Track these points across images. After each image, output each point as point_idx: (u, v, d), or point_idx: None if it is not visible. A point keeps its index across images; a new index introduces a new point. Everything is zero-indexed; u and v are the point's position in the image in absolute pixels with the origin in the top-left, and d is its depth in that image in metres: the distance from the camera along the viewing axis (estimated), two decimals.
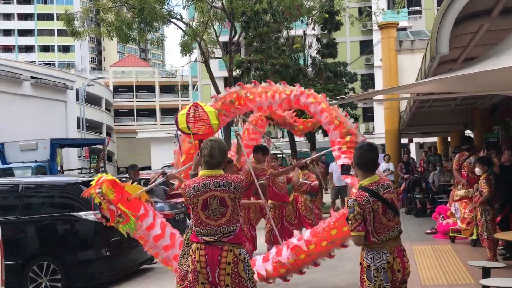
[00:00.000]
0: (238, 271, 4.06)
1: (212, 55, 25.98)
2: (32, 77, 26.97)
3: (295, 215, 9.37)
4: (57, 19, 52.64)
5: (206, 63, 23.95)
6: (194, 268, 4.10)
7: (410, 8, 41.44)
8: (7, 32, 78.43)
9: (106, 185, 5.70)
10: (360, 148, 4.01)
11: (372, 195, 3.78)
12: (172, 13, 23.83)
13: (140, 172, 11.25)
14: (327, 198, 16.80)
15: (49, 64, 67.09)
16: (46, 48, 78.98)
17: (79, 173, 22.98)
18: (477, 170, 8.35)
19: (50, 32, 78.20)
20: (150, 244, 6.30)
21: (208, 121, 6.38)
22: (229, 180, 4.20)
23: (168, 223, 6.51)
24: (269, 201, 8.60)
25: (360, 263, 3.86)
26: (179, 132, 7.13)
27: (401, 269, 3.79)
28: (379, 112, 34.99)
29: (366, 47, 41.06)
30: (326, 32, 21.78)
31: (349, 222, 3.79)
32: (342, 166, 4.80)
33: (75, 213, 7.88)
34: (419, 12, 42.63)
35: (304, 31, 22.56)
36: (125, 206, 5.80)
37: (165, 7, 23.43)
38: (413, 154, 27.10)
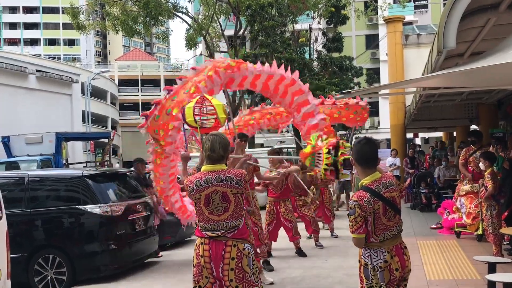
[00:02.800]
0: (242, 266, 4.06)
1: (217, 49, 25.95)
2: (37, 71, 26.94)
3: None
4: (63, 12, 52.52)
5: (211, 57, 23.90)
6: (198, 262, 4.10)
7: (416, 2, 41.28)
8: (13, 26, 78.58)
9: None
10: (357, 143, 3.89)
11: (373, 195, 3.67)
12: (178, 7, 23.81)
13: (146, 165, 11.24)
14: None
15: (55, 57, 67.15)
16: (52, 42, 79.11)
17: (84, 166, 23.01)
18: (481, 165, 8.32)
19: (55, 26, 78.31)
20: None
21: (215, 114, 6.35)
22: (231, 174, 4.16)
23: None
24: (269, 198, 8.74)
25: (359, 261, 3.82)
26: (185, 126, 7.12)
27: (400, 267, 3.70)
28: (384, 107, 34.89)
29: (372, 41, 40.95)
30: (332, 26, 21.73)
31: (350, 224, 3.70)
32: (344, 162, 4.74)
33: (80, 206, 7.89)
34: (425, 6, 42.45)
35: (309, 25, 22.52)
36: None
37: (171, 0, 23.42)
38: None
